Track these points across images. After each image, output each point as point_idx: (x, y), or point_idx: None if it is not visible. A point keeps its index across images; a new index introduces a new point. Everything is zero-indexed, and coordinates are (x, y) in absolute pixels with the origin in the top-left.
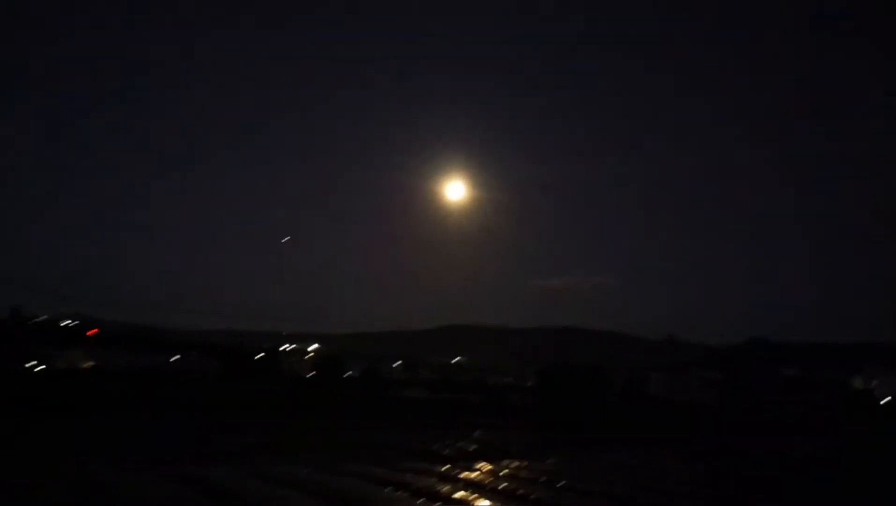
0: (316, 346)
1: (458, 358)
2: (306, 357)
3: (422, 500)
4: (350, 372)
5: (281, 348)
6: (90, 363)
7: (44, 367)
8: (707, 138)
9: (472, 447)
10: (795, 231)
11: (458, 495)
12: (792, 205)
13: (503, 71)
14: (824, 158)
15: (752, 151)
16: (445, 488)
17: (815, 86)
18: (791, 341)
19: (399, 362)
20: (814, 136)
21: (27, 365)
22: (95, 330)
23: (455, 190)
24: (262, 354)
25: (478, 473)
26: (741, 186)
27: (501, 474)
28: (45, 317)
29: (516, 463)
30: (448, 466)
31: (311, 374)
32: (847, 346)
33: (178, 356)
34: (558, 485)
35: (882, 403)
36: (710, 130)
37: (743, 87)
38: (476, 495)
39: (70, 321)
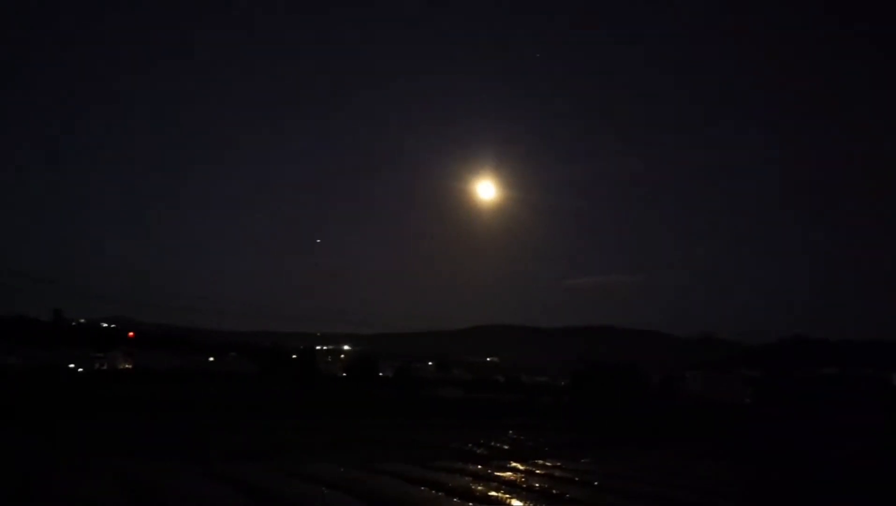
0: (347, 347)
1: (491, 357)
2: (340, 357)
3: (456, 499)
4: (383, 372)
5: (316, 349)
6: (129, 364)
7: (82, 369)
8: (742, 135)
9: (506, 447)
10: (834, 228)
11: (493, 494)
12: (832, 202)
13: (534, 72)
14: (858, 155)
15: (787, 148)
16: (480, 488)
17: (843, 81)
18: (830, 339)
19: (432, 362)
20: (844, 132)
21: (69, 366)
22: (133, 333)
23: (487, 190)
24: (297, 355)
25: (512, 472)
26: (779, 182)
27: (536, 473)
28: (84, 320)
29: (550, 463)
30: (482, 465)
31: (345, 374)
32: (888, 343)
33: (212, 358)
34: (593, 484)
35: None
36: (746, 128)
37: (774, 82)
38: (510, 495)
39: (109, 323)
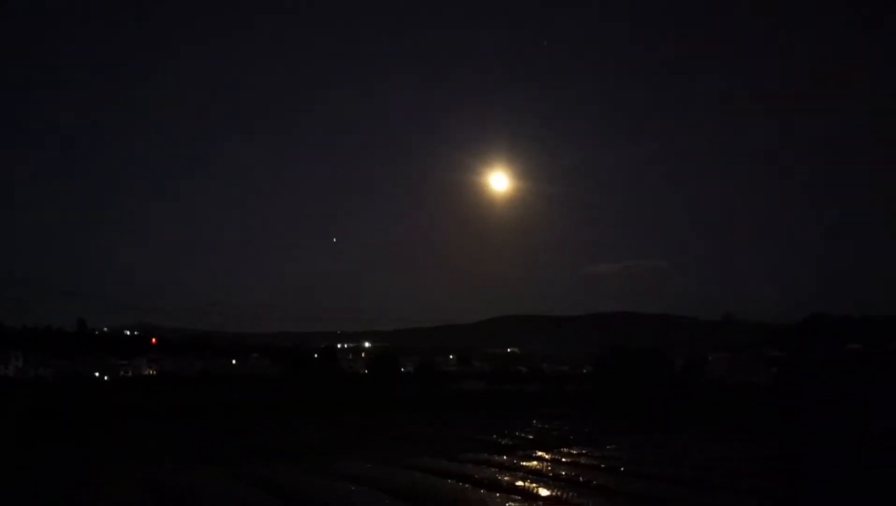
0: (368, 344)
1: (512, 348)
2: (361, 355)
3: (483, 490)
4: (405, 368)
5: (336, 347)
6: (153, 370)
7: (108, 378)
8: (758, 117)
9: (531, 436)
10: (853, 203)
11: (520, 483)
12: (851, 176)
13: (543, 60)
14: (871, 134)
15: (806, 126)
16: (506, 478)
17: (860, 59)
18: (854, 316)
19: (453, 356)
20: (859, 108)
21: (95, 374)
22: (156, 340)
23: (500, 181)
24: (318, 354)
25: (538, 461)
26: (794, 161)
27: (562, 461)
28: (107, 329)
29: (576, 450)
30: (508, 456)
31: (367, 371)
32: None
33: (235, 361)
34: (620, 470)
35: None
36: (761, 106)
37: (787, 63)
38: (537, 484)
39: (132, 331)
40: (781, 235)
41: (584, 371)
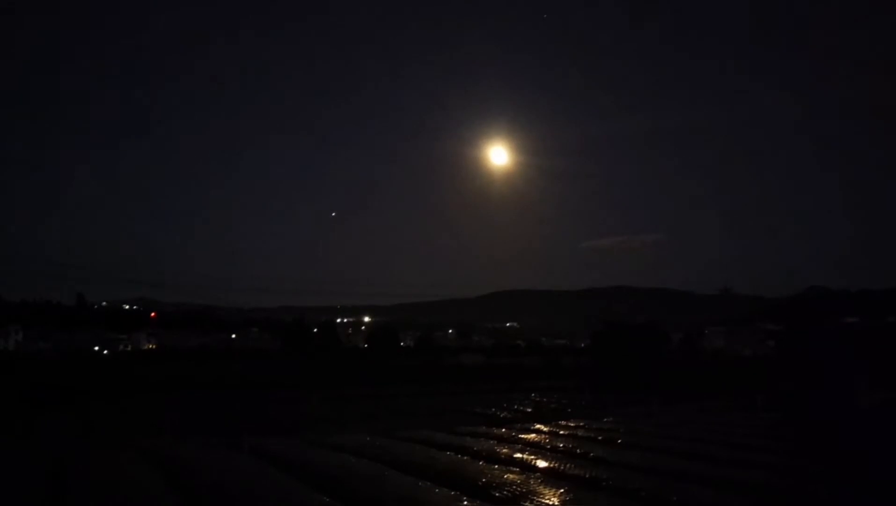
0: (367, 319)
1: (511, 323)
2: (361, 329)
3: (481, 462)
4: (405, 341)
5: (337, 322)
6: (153, 345)
7: (107, 351)
8: (755, 92)
9: (529, 409)
10: (850, 181)
11: (518, 456)
12: (849, 150)
13: (541, 35)
14: (871, 106)
15: (803, 99)
16: (504, 450)
17: (854, 34)
18: (851, 289)
19: (452, 330)
20: (860, 86)
21: (94, 348)
22: (155, 313)
23: (500, 156)
24: (318, 329)
25: (536, 434)
26: (792, 133)
27: (559, 434)
28: (106, 303)
29: (574, 423)
30: (506, 428)
31: (367, 345)
32: None
33: (234, 335)
34: (617, 442)
35: None
36: (759, 80)
37: (782, 37)
38: (535, 456)
39: (131, 305)
40: (782, 210)
41: (583, 345)
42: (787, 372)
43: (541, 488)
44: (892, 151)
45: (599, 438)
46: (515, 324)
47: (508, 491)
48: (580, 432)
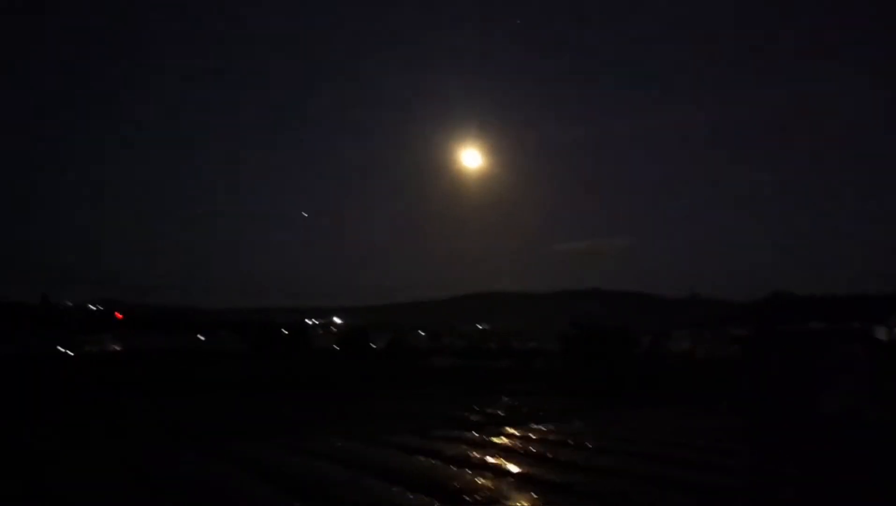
0: (338, 320)
1: (482, 325)
2: (332, 331)
3: (454, 467)
4: (376, 344)
5: (307, 323)
6: (118, 346)
7: (72, 353)
8: (724, 95)
9: (501, 413)
10: (816, 185)
11: (490, 460)
12: (812, 159)
13: (516, 36)
14: (844, 113)
15: (771, 106)
16: (476, 454)
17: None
18: (817, 295)
19: (424, 333)
20: (828, 85)
21: (58, 349)
22: (120, 315)
23: (472, 158)
24: (288, 330)
25: (507, 438)
26: (759, 141)
27: (531, 438)
28: (71, 303)
29: (545, 427)
30: (478, 432)
31: (337, 347)
32: (874, 298)
33: (203, 337)
34: (587, 446)
35: None
36: (733, 86)
37: (759, 40)
38: (507, 460)
39: (97, 306)
40: (748, 214)
41: (554, 348)
42: (751, 377)
43: (513, 493)
44: (860, 157)
45: (570, 442)
46: (487, 326)
47: (481, 496)
48: (551, 437)
